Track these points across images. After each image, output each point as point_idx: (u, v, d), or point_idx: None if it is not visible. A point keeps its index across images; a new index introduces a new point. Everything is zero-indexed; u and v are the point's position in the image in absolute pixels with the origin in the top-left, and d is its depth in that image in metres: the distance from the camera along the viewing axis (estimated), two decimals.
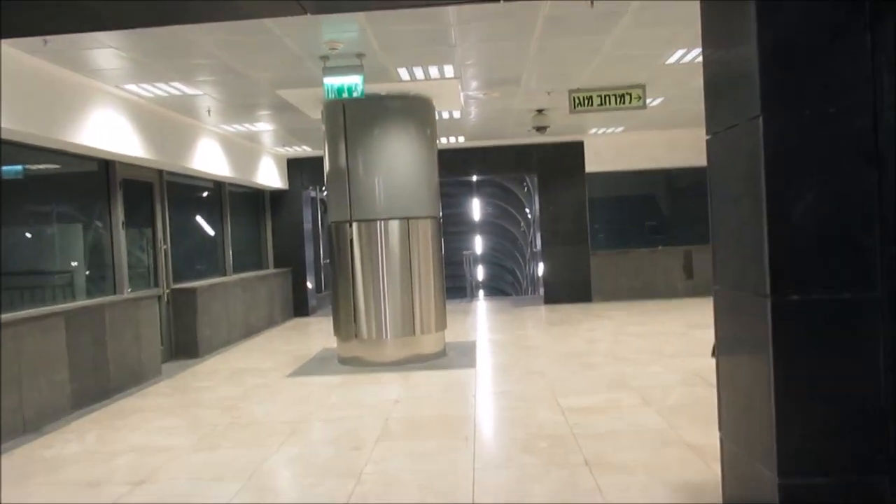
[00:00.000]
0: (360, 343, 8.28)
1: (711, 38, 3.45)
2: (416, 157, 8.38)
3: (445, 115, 10.17)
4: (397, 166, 8.26)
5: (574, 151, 13.72)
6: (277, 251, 14.01)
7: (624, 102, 8.64)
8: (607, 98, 8.66)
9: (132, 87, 7.50)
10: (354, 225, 8.23)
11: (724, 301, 3.47)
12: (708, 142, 3.55)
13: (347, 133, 8.23)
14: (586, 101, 8.69)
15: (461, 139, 12.86)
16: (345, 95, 6.62)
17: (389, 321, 8.20)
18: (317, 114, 8.71)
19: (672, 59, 7.53)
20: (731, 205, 3.26)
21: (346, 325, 8.36)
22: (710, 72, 3.51)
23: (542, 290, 14.38)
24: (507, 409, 6.07)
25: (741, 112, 3.03)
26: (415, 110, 8.40)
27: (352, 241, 8.24)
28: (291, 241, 14.05)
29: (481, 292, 22.53)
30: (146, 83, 7.41)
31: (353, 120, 8.22)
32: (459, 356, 8.51)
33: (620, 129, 12.60)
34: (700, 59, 7.51)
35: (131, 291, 8.44)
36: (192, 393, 7.28)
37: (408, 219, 8.25)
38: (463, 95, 8.81)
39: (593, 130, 12.70)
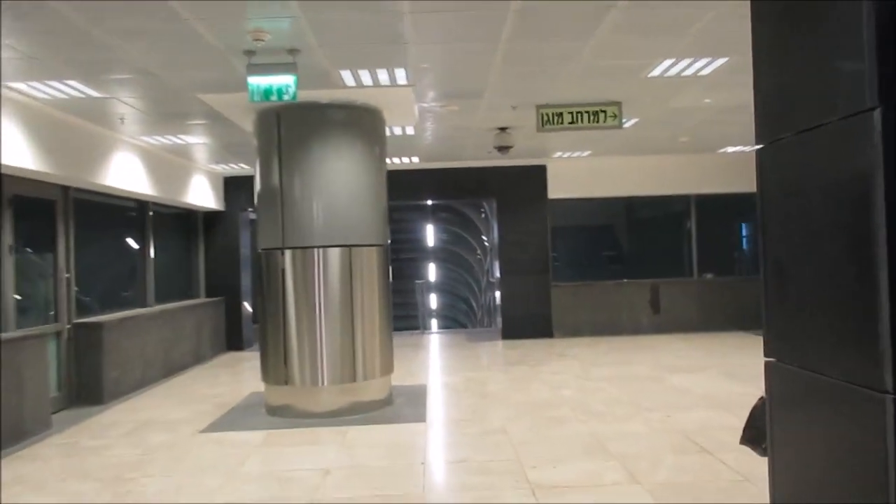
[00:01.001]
0: (292, 390, 7.09)
1: (773, 31, 2.46)
2: (361, 177, 7.29)
3: (398, 132, 9.12)
4: (339, 186, 7.16)
5: (536, 176, 12.80)
6: (211, 278, 12.68)
7: (598, 121, 7.72)
8: (580, 115, 7.73)
9: (20, 85, 6.25)
10: (287, 253, 7.07)
11: (789, 381, 2.45)
12: (759, 153, 2.55)
13: (282, 146, 7.11)
14: (556, 119, 7.74)
15: (415, 160, 11.82)
16: (273, 99, 5.50)
17: (326, 365, 7.04)
18: (249, 124, 7.57)
19: (656, 72, 6.62)
20: (806, 240, 2.24)
21: (275, 369, 7.16)
22: (769, 72, 2.51)
23: (499, 323, 13.35)
24: (464, 488, 4.93)
25: (829, 108, 2.04)
26: (362, 123, 7.33)
27: (284, 271, 7.08)
28: (227, 267, 12.75)
29: (435, 323, 21.47)
30: (36, 81, 6.17)
31: (289, 131, 7.10)
32: (407, 405, 7.37)
33: (587, 153, 11.73)
34: (688, 72, 6.67)
35: (21, 329, 7.09)
36: (79, 455, 5.97)
37: (350, 247, 7.14)
38: (417, 108, 7.78)
39: (558, 154, 11.81)
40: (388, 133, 9.06)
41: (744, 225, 14.45)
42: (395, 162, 11.83)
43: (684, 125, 9.42)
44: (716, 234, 13.75)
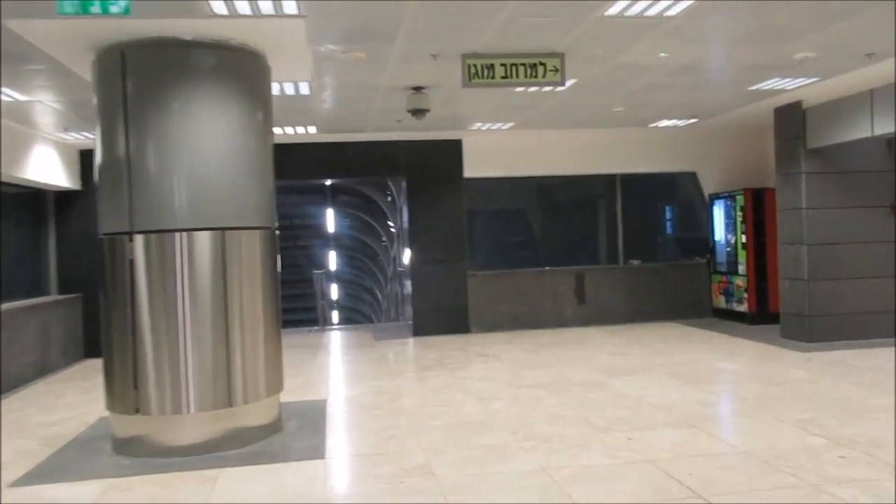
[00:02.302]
0: (146, 419, 5.37)
1: None
2: (240, 141, 5.62)
3: (290, 90, 7.45)
4: (210, 153, 5.46)
5: (451, 152, 11.37)
6: (64, 271, 10.55)
7: (536, 75, 6.33)
8: (514, 69, 6.31)
9: None
10: (138, 238, 5.33)
11: None
12: None
13: (129, 99, 5.33)
14: (486, 72, 6.30)
15: (312, 130, 10.13)
16: (95, 11, 3.78)
17: (192, 386, 5.36)
18: (86, 69, 5.73)
19: (614, 9, 5.28)
20: None
21: (122, 392, 5.41)
22: None
23: (409, 317, 11.89)
24: None
25: None
26: (240, 71, 5.63)
27: (132, 262, 5.33)
28: (85, 258, 10.62)
29: (337, 316, 19.81)
30: None
31: (139, 79, 5.34)
32: (302, 432, 5.79)
33: (509, 125, 10.39)
34: (653, 10, 5.34)
35: None
36: None
37: (224, 230, 5.47)
38: (313, 54, 6.16)
39: (476, 125, 10.40)
40: (277, 92, 7.39)
41: (668, 208, 13.57)
42: (288, 132, 10.11)
43: (625, 90, 8.20)
44: (641, 218, 12.77)
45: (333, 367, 8.95)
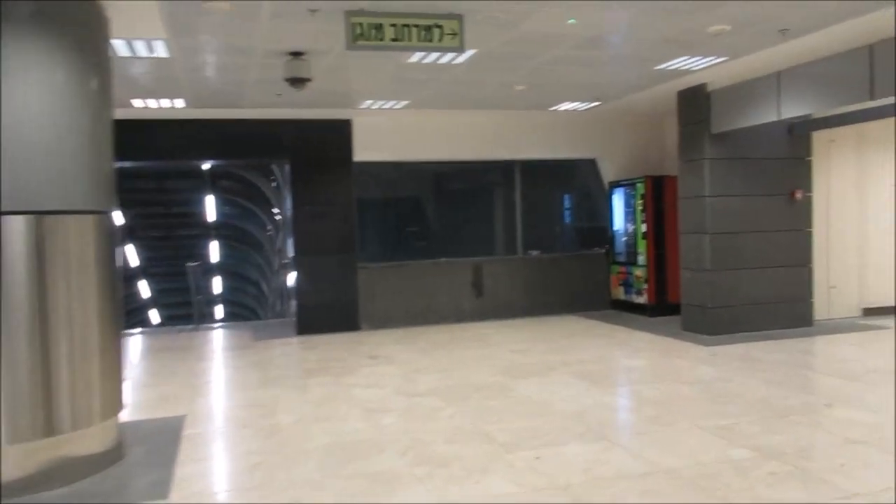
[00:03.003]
0: None
1: None
2: (66, 105, 4.51)
3: (142, 49, 6.30)
4: (26, 123, 4.33)
5: (339, 133, 10.40)
6: None
7: (432, 39, 5.51)
8: (407, 30, 5.46)
9: None
10: None
11: None
12: None
13: None
14: (373, 32, 5.42)
15: (179, 103, 8.91)
16: None
17: (3, 412, 4.23)
18: None
19: None
20: None
21: None
22: None
23: (294, 315, 10.87)
24: None
25: None
26: (65, 20, 4.51)
27: None
28: None
29: (221, 311, 18.34)
30: None
31: None
32: (146, 463, 4.76)
33: (403, 103, 9.53)
34: None
35: None
36: None
37: (42, 213, 4.36)
38: (166, 5, 5.09)
39: (367, 103, 9.48)
40: (127, 52, 6.25)
41: (568, 196, 13.14)
42: (150, 105, 8.85)
43: (528, 66, 7.53)
44: (541, 206, 12.27)
45: (200, 375, 7.83)
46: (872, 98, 6.73)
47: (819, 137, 9.53)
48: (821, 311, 9.65)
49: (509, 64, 7.44)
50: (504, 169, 11.70)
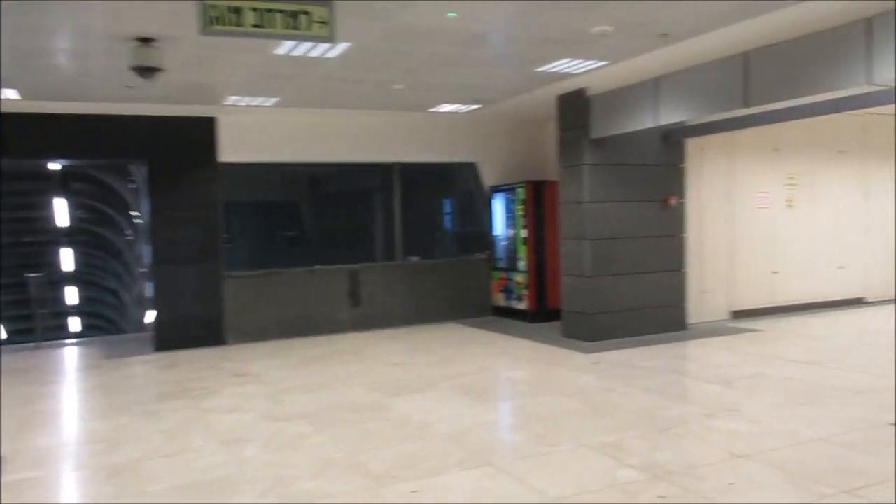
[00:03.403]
0: None
1: None
2: None
3: None
4: None
5: (203, 131, 9.59)
6: None
7: (298, 27, 4.97)
8: (270, 16, 4.89)
9: None
10: None
11: None
12: None
13: None
14: (231, 17, 4.81)
15: (11, 94, 7.84)
16: None
17: None
18: None
19: None
20: None
21: None
22: None
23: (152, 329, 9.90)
24: None
25: None
26: None
27: None
28: None
29: (77, 324, 16.73)
30: None
31: None
32: None
33: (273, 100, 8.87)
34: None
35: None
36: None
37: None
38: None
39: (232, 100, 8.75)
40: None
41: (448, 201, 12.84)
42: None
43: (406, 63, 7.11)
44: (421, 211, 11.91)
45: (30, 404, 6.80)
46: (747, 105, 6.80)
47: (692, 144, 9.70)
48: (694, 314, 9.82)
49: (386, 60, 6.99)
50: (384, 172, 11.24)
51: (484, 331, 10.10)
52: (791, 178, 10.85)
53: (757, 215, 10.54)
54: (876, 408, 5.57)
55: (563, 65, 7.47)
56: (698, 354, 8.10)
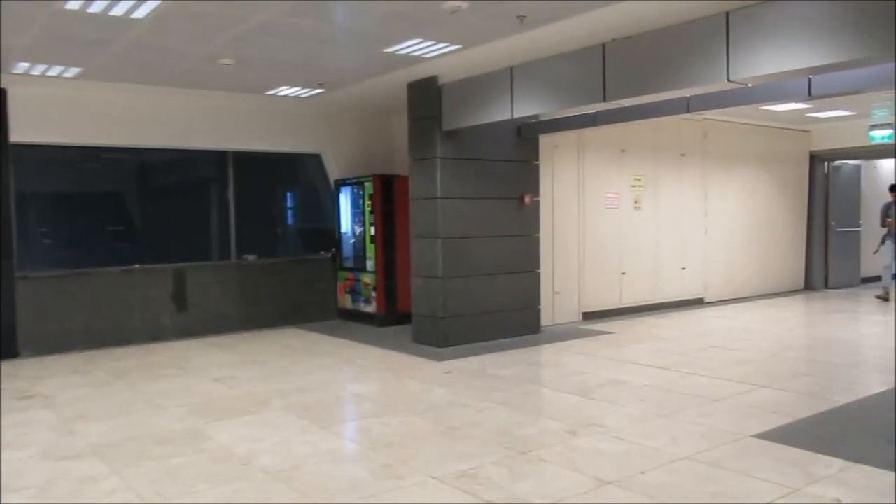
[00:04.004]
0: None
1: None
2: None
3: None
4: None
5: None
6: None
7: None
8: None
9: None
10: None
11: None
12: None
13: None
14: None
15: None
16: None
17: None
18: None
19: None
20: None
21: None
22: None
23: None
24: None
25: None
26: None
27: None
28: None
29: None
30: None
31: None
32: None
33: (75, 70, 7.51)
34: None
35: None
36: None
37: None
38: None
39: (22, 66, 7.31)
40: None
41: (290, 194, 11.83)
42: None
43: (232, 32, 6.13)
44: (260, 205, 10.83)
45: None
46: (605, 100, 6.44)
47: (545, 142, 9.38)
48: (547, 316, 9.53)
49: (207, 26, 5.98)
50: (219, 162, 10.07)
51: (328, 336, 9.25)
52: (637, 179, 10.87)
53: (606, 216, 10.45)
54: (734, 418, 5.35)
55: (413, 46, 6.80)
56: (554, 360, 7.73)
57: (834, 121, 12.50)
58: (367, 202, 10.00)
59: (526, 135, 8.89)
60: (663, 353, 7.84)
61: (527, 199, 8.93)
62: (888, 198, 12.04)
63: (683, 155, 11.48)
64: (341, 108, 10.20)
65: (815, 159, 13.50)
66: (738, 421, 5.24)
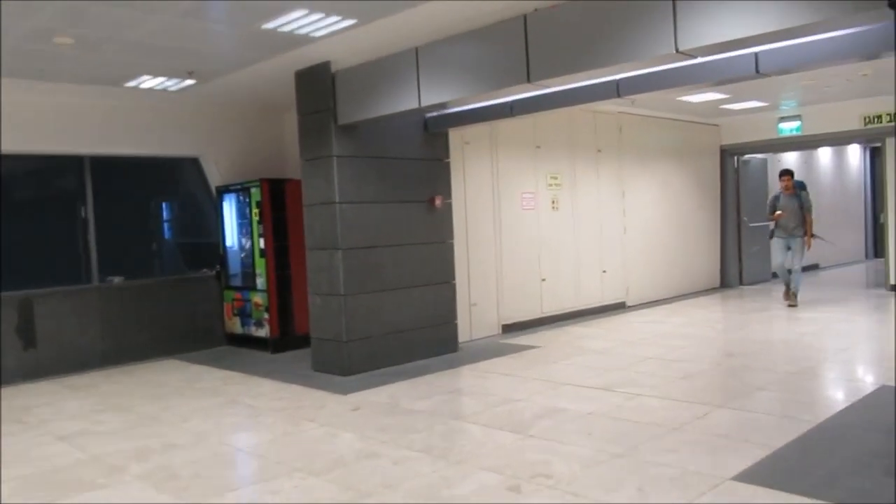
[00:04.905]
0: None
1: None
2: None
3: None
4: None
5: None
6: None
7: None
8: None
9: None
10: None
11: None
12: None
13: None
14: None
15: None
16: None
17: None
18: None
19: None
20: None
21: None
22: None
23: None
24: None
25: None
26: None
27: None
28: None
29: None
30: None
31: None
32: None
33: None
34: None
35: None
36: None
37: None
38: None
39: None
40: None
41: (165, 205, 10.31)
42: None
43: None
44: (128, 218, 9.31)
45: None
46: (529, 80, 5.49)
47: (455, 137, 8.40)
48: (464, 332, 8.53)
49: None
50: (76, 169, 8.51)
51: (213, 369, 7.90)
52: (554, 177, 10.06)
53: (523, 218, 9.57)
54: (703, 453, 4.47)
55: (297, 21, 5.63)
56: (478, 385, 6.71)
57: (744, 113, 12.17)
58: (255, 211, 8.70)
59: (433, 129, 7.87)
60: (598, 369, 6.97)
61: (438, 202, 7.91)
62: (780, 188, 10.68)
63: (600, 151, 10.78)
64: (221, 105, 8.86)
65: (726, 154, 13.18)
66: (710, 457, 4.36)
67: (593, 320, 10.00)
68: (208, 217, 9.68)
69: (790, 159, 14.78)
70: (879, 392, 5.68)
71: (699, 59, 5.15)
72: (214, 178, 9.35)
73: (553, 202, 10.03)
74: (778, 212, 10.44)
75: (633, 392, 6.01)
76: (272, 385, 6.98)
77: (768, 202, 10.93)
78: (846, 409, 5.30)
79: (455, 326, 8.17)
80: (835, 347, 7.78)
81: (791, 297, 10.44)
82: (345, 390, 6.51)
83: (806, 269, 13.29)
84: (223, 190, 9.26)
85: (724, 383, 6.25)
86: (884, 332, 8.38)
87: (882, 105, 11.12)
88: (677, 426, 5.01)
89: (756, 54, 5.06)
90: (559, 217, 10.08)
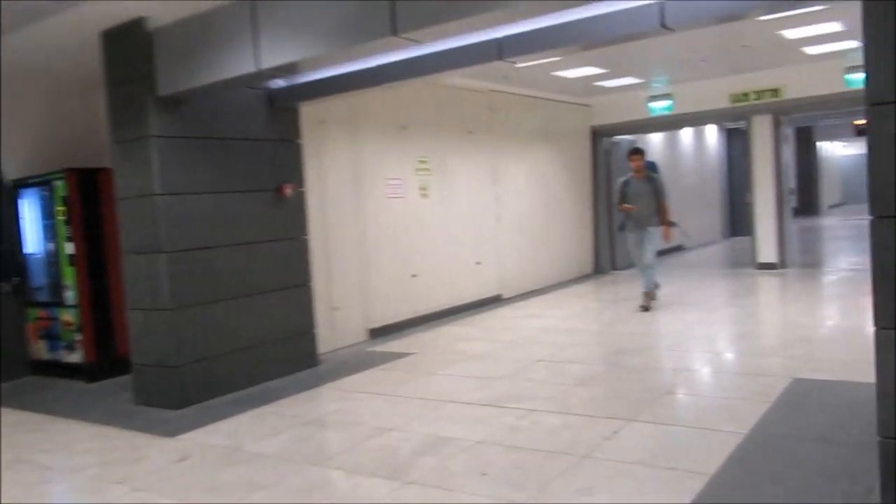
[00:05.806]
0: None
1: None
2: None
3: None
4: None
5: None
6: None
7: None
8: None
9: None
10: None
11: None
12: None
13: None
14: None
15: None
16: None
17: None
18: None
19: None
20: None
21: None
22: None
23: None
24: None
25: None
26: None
27: None
28: None
29: None
30: None
31: None
32: None
33: None
34: None
35: None
36: None
37: None
38: None
39: None
40: None
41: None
42: None
43: None
44: None
45: None
46: (395, 34, 4.39)
47: (309, 115, 7.18)
48: (325, 340, 7.35)
49: None
50: None
51: (7, 409, 6.25)
52: (422, 161, 9.06)
53: (389, 207, 8.50)
54: (629, 489, 3.61)
55: None
56: (343, 411, 5.56)
57: (616, 91, 11.73)
58: (61, 209, 7.07)
59: (281, 103, 6.61)
60: (482, 378, 6.03)
61: (288, 191, 6.65)
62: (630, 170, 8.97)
63: (470, 132, 9.88)
64: (11, 77, 7.11)
65: (597, 135, 12.73)
66: (639, 495, 3.49)
67: (469, 317, 9.11)
68: (2, 217, 7.86)
69: (656, 140, 14.65)
70: (793, 387, 5.11)
71: (598, 10, 4.28)
72: (10, 170, 7.57)
73: (422, 189, 9.03)
74: (628, 205, 8.73)
75: (527, 407, 5.10)
76: (79, 429, 5.49)
77: (617, 188, 9.17)
78: (768, 412, 4.63)
79: (314, 337, 6.97)
80: (729, 336, 7.31)
81: (644, 298, 8.82)
82: (173, 430, 5.17)
83: (669, 251, 13.16)
84: (20, 184, 7.51)
85: (624, 389, 5.48)
86: (774, 315, 8.05)
87: (748, 82, 10.99)
88: (586, 452, 4.12)
89: (662, 4, 4.26)
90: (429, 205, 9.09)
